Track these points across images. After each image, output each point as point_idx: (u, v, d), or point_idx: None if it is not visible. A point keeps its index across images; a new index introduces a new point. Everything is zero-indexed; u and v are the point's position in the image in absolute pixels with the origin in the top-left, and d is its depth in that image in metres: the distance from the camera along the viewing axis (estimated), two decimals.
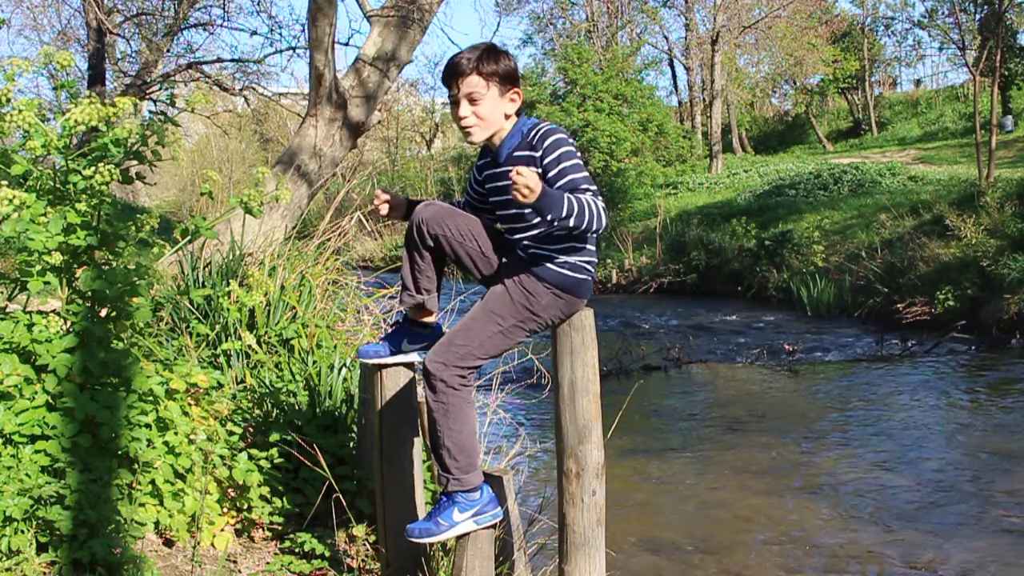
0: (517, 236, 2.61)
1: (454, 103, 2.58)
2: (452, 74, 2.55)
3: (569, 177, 2.46)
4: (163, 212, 18.88)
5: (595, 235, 2.57)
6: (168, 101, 3.39)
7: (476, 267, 2.67)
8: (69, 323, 2.79)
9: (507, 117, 2.59)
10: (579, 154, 2.52)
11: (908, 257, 12.45)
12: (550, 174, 2.47)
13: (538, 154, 2.50)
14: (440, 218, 2.62)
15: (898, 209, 14.41)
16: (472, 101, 2.55)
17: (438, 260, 2.71)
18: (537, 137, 2.52)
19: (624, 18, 31.36)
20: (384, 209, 2.75)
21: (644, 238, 18.49)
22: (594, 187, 2.47)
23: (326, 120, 6.68)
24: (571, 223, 2.36)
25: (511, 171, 2.36)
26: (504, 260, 2.64)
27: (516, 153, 2.55)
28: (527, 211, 2.55)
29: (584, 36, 30.07)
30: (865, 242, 13.89)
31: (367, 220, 5.68)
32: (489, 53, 2.56)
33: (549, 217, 2.34)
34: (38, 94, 17.47)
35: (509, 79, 2.57)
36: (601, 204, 2.44)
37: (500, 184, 2.60)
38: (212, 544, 3.05)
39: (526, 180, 2.26)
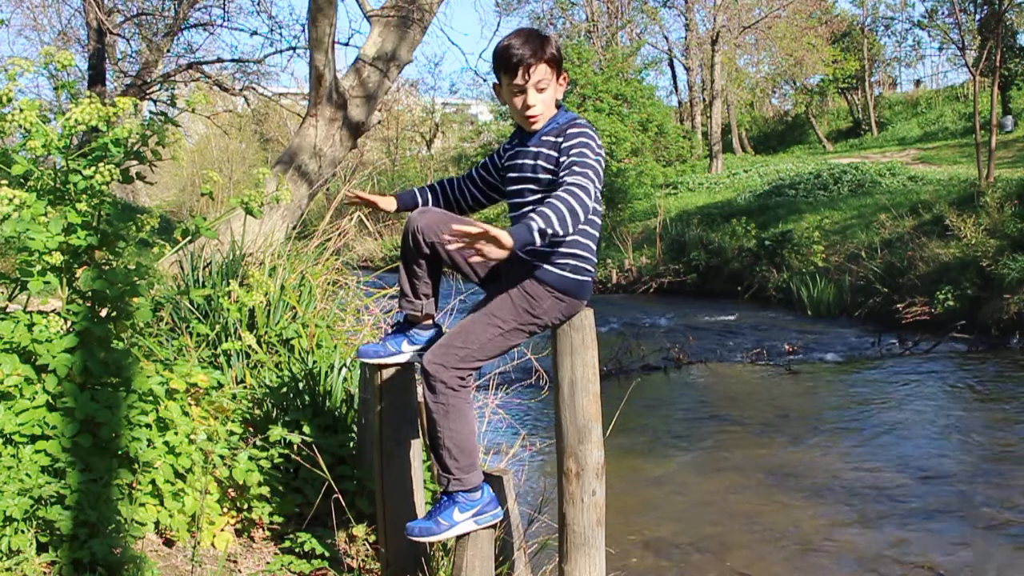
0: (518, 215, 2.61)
1: (519, 92, 2.57)
2: (519, 63, 2.53)
3: (575, 153, 2.47)
4: (163, 212, 18.88)
5: (597, 229, 2.61)
6: (168, 101, 3.40)
7: (473, 272, 2.68)
8: (69, 323, 2.79)
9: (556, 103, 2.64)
10: (599, 148, 2.53)
11: (908, 257, 12.45)
12: (562, 159, 2.50)
13: (562, 139, 2.54)
14: (435, 226, 2.63)
15: (898, 209, 14.41)
16: (541, 90, 2.57)
17: (435, 265, 2.71)
18: (569, 129, 2.56)
19: (624, 18, 31.38)
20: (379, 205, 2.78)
21: (644, 238, 18.49)
22: (592, 171, 2.44)
23: (326, 120, 6.68)
24: (558, 231, 2.31)
25: (531, 160, 2.48)
26: (503, 262, 2.64)
27: (544, 137, 2.59)
28: (534, 195, 2.56)
29: (584, 36, 30.10)
30: (865, 242, 13.89)
31: (367, 220, 5.68)
32: (546, 40, 2.59)
33: (537, 243, 2.30)
34: (38, 94, 17.47)
35: (561, 64, 2.61)
36: (585, 190, 2.37)
37: (518, 162, 2.63)
38: (212, 544, 3.05)
39: (467, 233, 2.20)
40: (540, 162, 2.57)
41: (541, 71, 2.55)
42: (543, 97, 2.57)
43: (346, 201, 2.82)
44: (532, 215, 2.30)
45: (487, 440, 4.18)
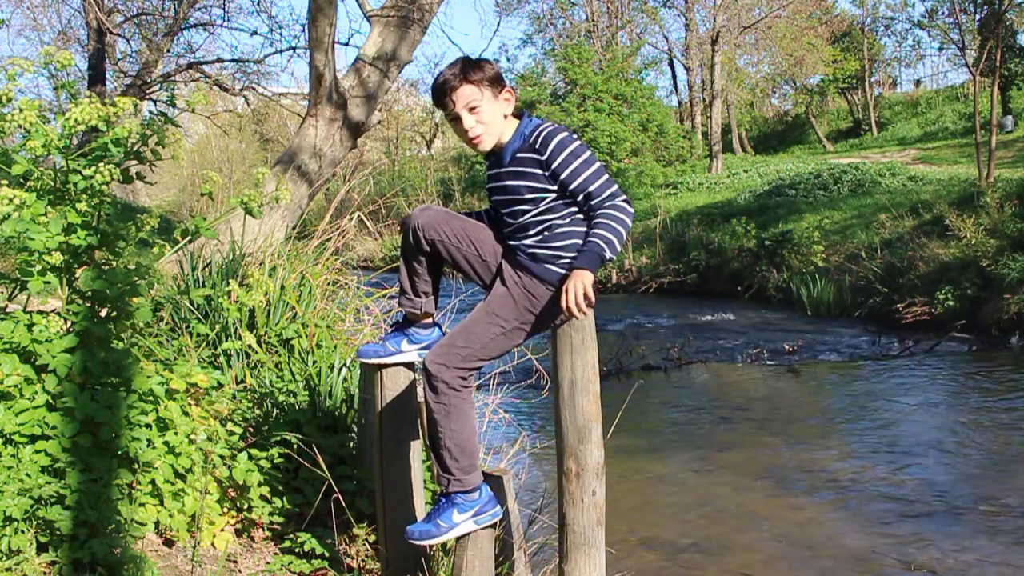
0: (518, 239, 2.61)
1: (454, 120, 2.59)
2: (443, 92, 2.57)
3: (582, 177, 2.50)
4: (163, 212, 18.87)
5: None
6: (168, 101, 3.40)
7: (474, 271, 2.67)
8: (69, 323, 2.79)
9: (505, 118, 2.61)
10: (585, 146, 2.54)
11: (908, 257, 12.45)
12: (562, 176, 2.51)
13: (543, 157, 2.52)
14: (436, 223, 2.63)
15: (898, 209, 14.42)
16: (472, 110, 2.56)
17: (435, 263, 2.71)
18: (540, 140, 2.53)
19: (624, 18, 31.38)
20: None
21: (644, 238, 18.48)
22: (605, 176, 2.51)
23: (326, 120, 6.68)
24: (618, 250, 2.47)
25: (510, 175, 2.45)
26: (504, 261, 2.64)
27: (519, 154, 2.57)
28: (528, 212, 2.56)
29: (584, 36, 30.10)
30: (865, 242, 13.89)
31: (367, 220, 5.68)
32: (469, 63, 2.59)
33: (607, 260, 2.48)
34: (38, 94, 17.46)
35: (497, 81, 2.59)
36: (620, 201, 2.50)
37: (502, 184, 2.61)
38: (212, 544, 3.05)
39: (576, 299, 2.38)
40: (524, 182, 2.55)
41: (465, 92, 2.54)
42: (479, 117, 2.56)
43: None
44: (594, 240, 2.44)
45: (487, 440, 4.18)
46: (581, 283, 2.38)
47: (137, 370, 2.87)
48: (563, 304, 2.41)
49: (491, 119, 2.57)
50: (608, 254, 2.44)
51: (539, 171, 2.53)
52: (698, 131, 31.80)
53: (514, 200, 2.58)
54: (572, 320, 2.59)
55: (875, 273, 12.69)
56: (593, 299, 2.41)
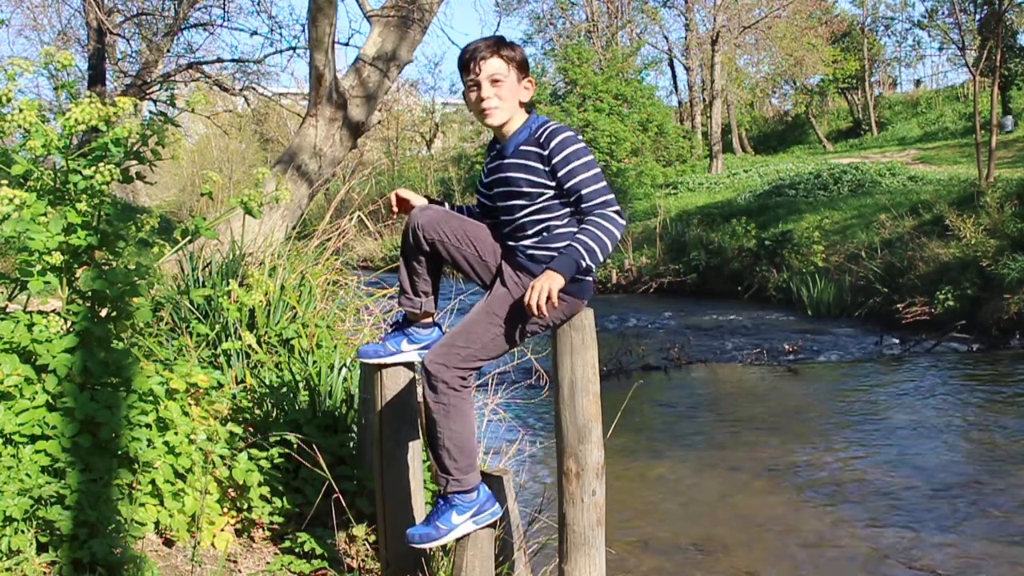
0: (517, 240, 2.61)
1: (474, 86, 2.60)
2: (472, 58, 2.58)
3: (579, 178, 2.51)
4: (163, 212, 18.85)
5: None
6: (168, 101, 3.40)
7: (474, 271, 2.68)
8: (69, 323, 2.79)
9: (521, 105, 2.63)
10: (588, 150, 2.55)
11: (908, 257, 12.45)
12: (559, 174, 2.52)
13: (545, 153, 2.53)
14: (436, 223, 2.63)
15: (898, 209, 14.41)
16: (494, 83, 2.58)
17: (435, 263, 2.71)
18: (544, 136, 2.55)
19: (624, 18, 31.39)
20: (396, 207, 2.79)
21: (644, 238, 18.48)
22: (602, 184, 2.52)
23: (326, 120, 6.68)
24: (600, 260, 2.48)
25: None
26: (504, 262, 2.64)
27: (523, 147, 2.59)
28: (524, 207, 2.56)
29: (584, 36, 30.11)
30: (865, 242, 13.89)
31: (367, 220, 5.69)
32: (504, 40, 2.62)
33: (584, 268, 2.49)
34: (38, 94, 17.47)
35: (524, 67, 2.63)
36: (611, 211, 2.50)
37: (503, 175, 2.62)
38: (212, 544, 3.05)
39: (537, 299, 2.40)
40: (525, 175, 2.56)
41: (494, 64, 2.57)
42: (499, 91, 2.58)
43: (388, 205, 2.83)
44: (575, 245, 2.45)
45: (487, 440, 4.18)
46: (548, 284, 2.40)
47: (137, 370, 2.87)
48: (525, 299, 2.42)
49: (509, 97, 2.60)
50: (587, 262, 2.45)
51: (540, 166, 2.54)
52: (698, 131, 31.80)
53: (512, 193, 2.59)
54: (571, 320, 2.60)
55: (875, 273, 12.69)
56: (556, 303, 2.42)
